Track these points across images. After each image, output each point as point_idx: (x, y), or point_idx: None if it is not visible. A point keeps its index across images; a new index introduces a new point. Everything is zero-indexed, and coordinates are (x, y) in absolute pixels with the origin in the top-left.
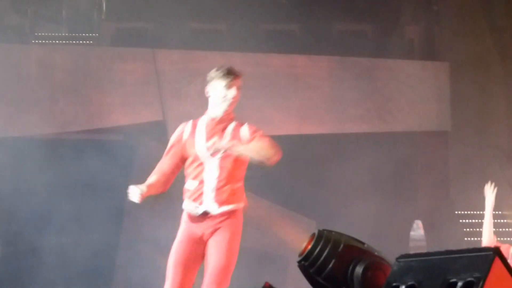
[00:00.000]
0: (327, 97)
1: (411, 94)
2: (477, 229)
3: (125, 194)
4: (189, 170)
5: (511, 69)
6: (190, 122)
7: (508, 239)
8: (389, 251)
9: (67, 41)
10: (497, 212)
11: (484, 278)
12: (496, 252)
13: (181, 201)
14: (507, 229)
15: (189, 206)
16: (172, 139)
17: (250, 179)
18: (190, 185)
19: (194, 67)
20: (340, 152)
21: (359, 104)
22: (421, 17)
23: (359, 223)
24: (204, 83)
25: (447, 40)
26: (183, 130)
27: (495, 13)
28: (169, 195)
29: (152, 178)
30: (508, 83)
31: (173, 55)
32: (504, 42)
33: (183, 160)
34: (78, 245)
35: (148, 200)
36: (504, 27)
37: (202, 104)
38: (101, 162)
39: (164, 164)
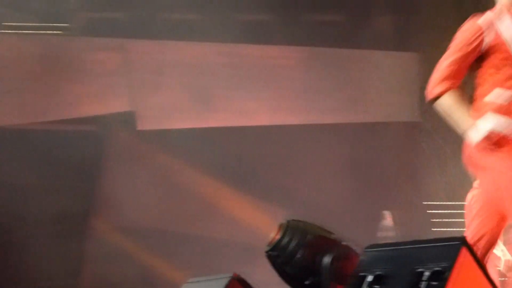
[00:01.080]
0: (299, 88)
1: (382, 84)
2: (445, 220)
3: (95, 184)
4: (500, 75)
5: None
6: (482, 21)
7: None
8: (357, 241)
9: (37, 31)
10: (462, 203)
11: (450, 267)
12: (463, 242)
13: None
14: None
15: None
16: (466, 42)
17: (220, 168)
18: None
19: (166, 58)
20: (311, 142)
21: (330, 95)
22: (392, 8)
23: (328, 213)
24: (176, 73)
25: (418, 31)
26: (481, 31)
27: (464, 5)
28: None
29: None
30: (475, 74)
31: (145, 46)
32: None
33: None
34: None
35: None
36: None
37: (173, 95)
38: (71, 153)
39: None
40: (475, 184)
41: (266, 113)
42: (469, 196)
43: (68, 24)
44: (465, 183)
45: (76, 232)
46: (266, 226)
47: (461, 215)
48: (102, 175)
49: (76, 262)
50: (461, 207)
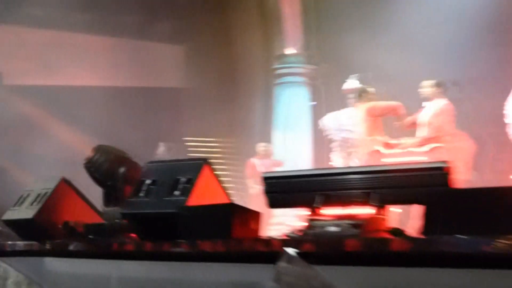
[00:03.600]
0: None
1: (159, 62)
2: (200, 149)
3: None
4: None
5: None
6: None
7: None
8: (141, 161)
9: None
10: (210, 139)
11: (197, 176)
12: (205, 161)
13: None
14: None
15: None
16: None
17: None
18: None
19: None
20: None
21: (123, 68)
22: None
23: (122, 145)
24: None
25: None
26: None
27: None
28: None
29: None
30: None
31: None
32: None
33: None
34: None
35: None
36: None
37: None
38: None
39: None
40: None
41: None
42: None
43: None
44: (213, 128)
45: None
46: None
47: (207, 147)
48: None
49: None
50: (208, 141)
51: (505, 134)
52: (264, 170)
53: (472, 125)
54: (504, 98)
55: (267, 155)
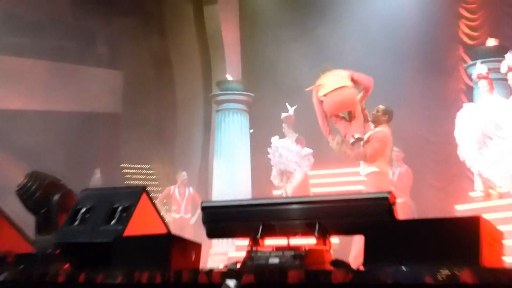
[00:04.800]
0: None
1: (95, 86)
2: (136, 176)
3: None
4: None
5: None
6: None
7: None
8: (76, 188)
9: None
10: (143, 165)
11: (135, 204)
12: (143, 189)
13: None
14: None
15: None
16: None
17: None
18: None
19: None
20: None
21: (62, 93)
22: (108, 35)
23: (57, 172)
24: None
25: (124, 54)
26: None
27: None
28: None
29: None
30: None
31: None
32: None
33: None
34: None
35: None
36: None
37: None
38: None
39: None
40: None
41: None
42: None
43: None
44: (152, 154)
45: None
46: (15, 176)
47: (144, 174)
48: None
49: None
50: (146, 168)
51: (443, 162)
52: (179, 198)
53: (408, 151)
54: (438, 124)
55: (183, 184)
